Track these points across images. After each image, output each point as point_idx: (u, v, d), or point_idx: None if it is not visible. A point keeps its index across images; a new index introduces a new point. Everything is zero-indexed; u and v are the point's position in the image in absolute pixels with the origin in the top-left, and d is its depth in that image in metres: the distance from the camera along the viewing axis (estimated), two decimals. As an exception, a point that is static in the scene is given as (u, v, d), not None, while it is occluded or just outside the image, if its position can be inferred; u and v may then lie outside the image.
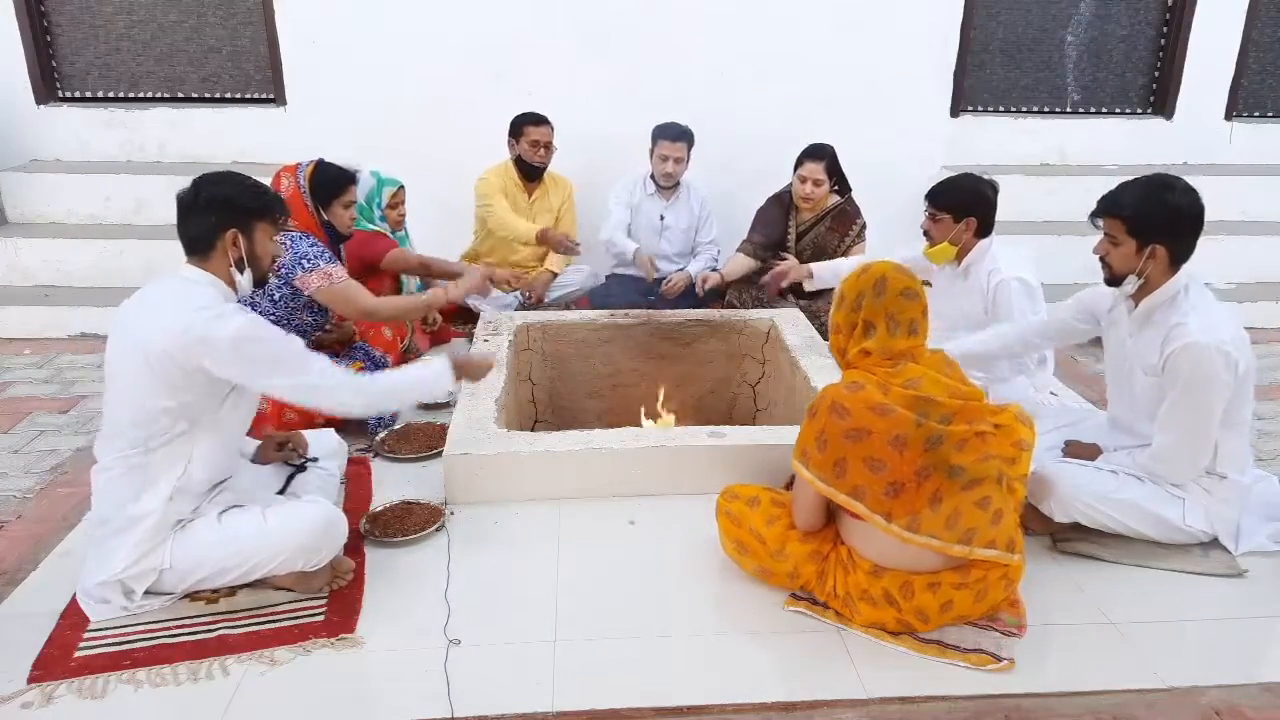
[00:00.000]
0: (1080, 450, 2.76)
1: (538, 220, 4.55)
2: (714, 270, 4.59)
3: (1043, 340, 3.01)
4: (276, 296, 3.13)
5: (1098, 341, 4.64)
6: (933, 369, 2.13)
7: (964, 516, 2.05)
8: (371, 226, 3.96)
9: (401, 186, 4.02)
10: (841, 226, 4.34)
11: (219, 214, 2.20)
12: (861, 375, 2.13)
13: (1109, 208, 2.45)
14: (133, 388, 2.11)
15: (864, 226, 4.35)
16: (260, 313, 3.05)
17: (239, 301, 2.26)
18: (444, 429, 3.01)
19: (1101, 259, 2.52)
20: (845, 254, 4.32)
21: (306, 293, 3.10)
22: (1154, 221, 2.39)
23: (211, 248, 2.21)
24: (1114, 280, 2.51)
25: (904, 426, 2.03)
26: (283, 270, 3.07)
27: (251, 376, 2.17)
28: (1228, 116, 5.58)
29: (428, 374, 2.47)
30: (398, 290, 4.04)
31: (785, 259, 4.33)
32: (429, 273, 4.06)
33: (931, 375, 2.11)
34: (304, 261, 3.07)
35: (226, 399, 2.21)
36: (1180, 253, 2.42)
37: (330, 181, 3.24)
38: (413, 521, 2.64)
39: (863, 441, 2.05)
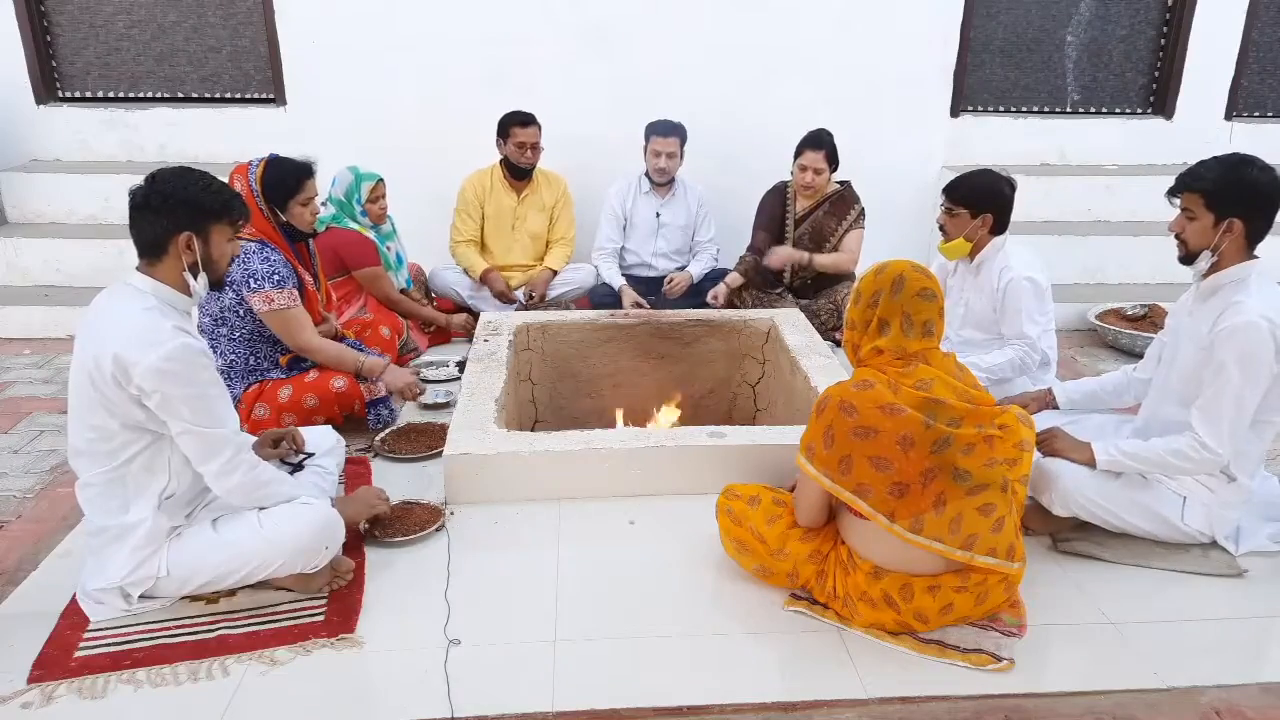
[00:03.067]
0: (1070, 449, 2.59)
1: (529, 220, 4.57)
2: (715, 266, 4.65)
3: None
4: (241, 311, 3.02)
5: (1101, 343, 4.64)
6: (944, 372, 2.12)
7: (966, 521, 2.05)
8: (355, 225, 3.95)
9: (380, 180, 4.00)
10: (840, 211, 4.37)
11: (172, 216, 2.08)
12: (872, 374, 2.12)
13: (1189, 182, 2.43)
14: (84, 406, 2.06)
15: (862, 211, 4.37)
16: (231, 325, 3.04)
17: (199, 303, 2.17)
18: (444, 429, 3.01)
19: (1177, 236, 2.49)
20: (842, 238, 4.35)
21: (254, 310, 3.00)
22: (1232, 194, 2.37)
23: (164, 251, 2.10)
24: (1188, 257, 2.48)
25: (912, 427, 2.02)
26: (235, 283, 2.95)
27: (162, 406, 2.03)
28: (1228, 116, 5.58)
29: (298, 494, 2.30)
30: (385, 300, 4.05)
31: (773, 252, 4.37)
32: (399, 305, 4.06)
33: (943, 378, 2.10)
34: (251, 280, 2.95)
35: None
36: (1256, 230, 2.39)
37: (284, 181, 3.04)
38: (413, 521, 2.64)
39: (870, 440, 2.04)
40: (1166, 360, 2.62)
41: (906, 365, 2.11)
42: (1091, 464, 2.50)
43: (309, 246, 3.27)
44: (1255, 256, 2.42)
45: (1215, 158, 2.45)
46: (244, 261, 2.95)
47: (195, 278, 2.14)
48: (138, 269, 2.14)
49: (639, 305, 4.36)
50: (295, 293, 3.05)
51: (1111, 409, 2.95)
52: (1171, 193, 2.47)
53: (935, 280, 2.15)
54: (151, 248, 2.11)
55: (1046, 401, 2.89)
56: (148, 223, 2.09)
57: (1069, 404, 2.89)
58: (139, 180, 2.14)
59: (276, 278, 2.99)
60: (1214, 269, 2.44)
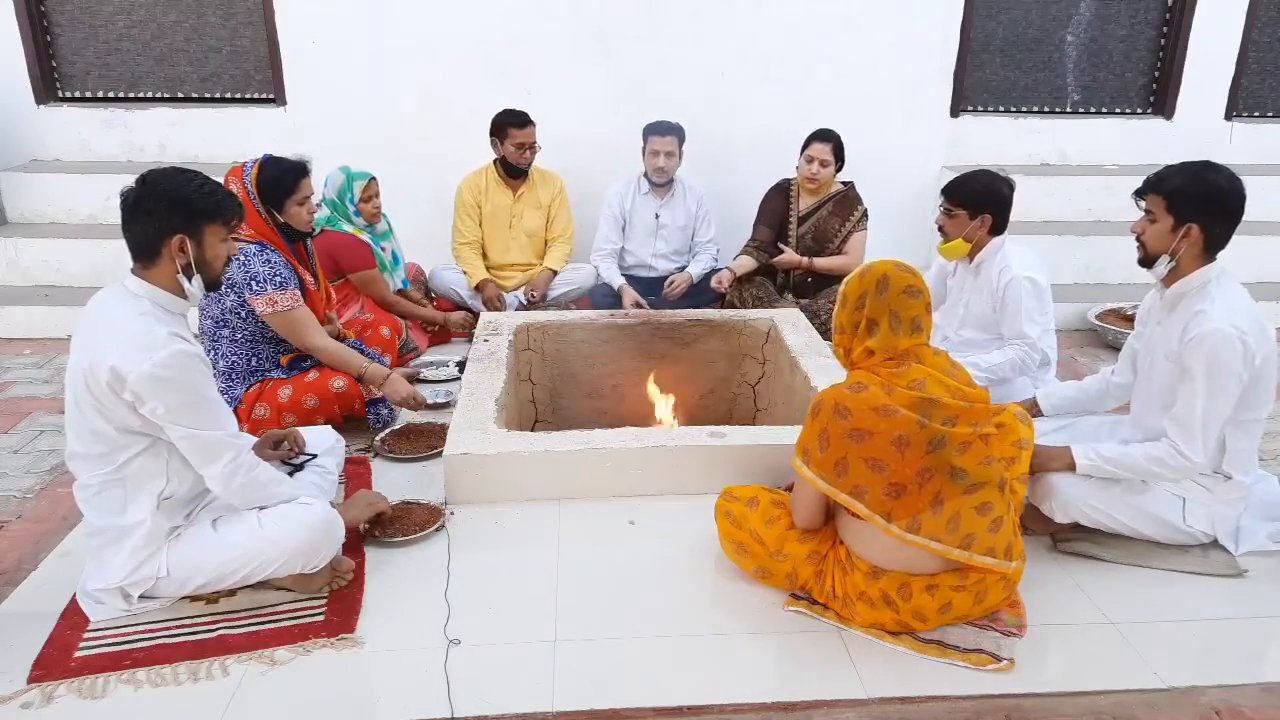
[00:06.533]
0: (1048, 460, 2.51)
1: (525, 217, 4.57)
2: (715, 268, 4.62)
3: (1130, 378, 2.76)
4: (243, 314, 3.02)
5: (1101, 343, 4.65)
6: (937, 369, 2.12)
7: (964, 521, 2.05)
8: (349, 227, 3.94)
9: (373, 179, 3.97)
10: (843, 211, 4.38)
11: (163, 218, 2.05)
12: (865, 376, 2.12)
13: (1153, 184, 2.43)
14: (80, 411, 2.04)
15: (865, 213, 4.39)
16: (233, 326, 3.04)
17: (199, 303, 2.14)
18: (444, 429, 3.01)
19: (1138, 238, 2.49)
20: (846, 239, 4.37)
21: (258, 313, 3.00)
22: (1192, 199, 2.36)
23: (157, 254, 2.07)
24: (1147, 261, 2.48)
25: (907, 428, 2.02)
26: (237, 285, 2.95)
27: (159, 413, 2.00)
28: (1228, 116, 5.57)
29: (298, 495, 2.30)
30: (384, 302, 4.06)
31: (783, 250, 4.36)
32: (396, 307, 4.05)
33: (936, 376, 2.10)
34: (253, 283, 2.94)
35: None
36: (1214, 238, 2.39)
37: (280, 181, 3.02)
38: (413, 521, 2.64)
39: (865, 442, 2.04)
40: (1144, 371, 2.62)
41: (899, 365, 2.11)
42: (1071, 469, 2.49)
43: (307, 246, 3.26)
44: (1214, 260, 2.41)
45: (1184, 163, 2.45)
46: (245, 264, 2.94)
47: (190, 280, 2.12)
48: (132, 271, 2.11)
49: (639, 305, 4.36)
50: (298, 294, 3.04)
51: (1095, 413, 2.92)
52: (1138, 194, 2.48)
53: (920, 276, 2.15)
54: (144, 250, 2.08)
55: (1030, 410, 2.84)
56: (140, 225, 2.06)
57: (1053, 410, 2.88)
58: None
59: (279, 279, 2.98)
60: (1174, 275, 2.44)
